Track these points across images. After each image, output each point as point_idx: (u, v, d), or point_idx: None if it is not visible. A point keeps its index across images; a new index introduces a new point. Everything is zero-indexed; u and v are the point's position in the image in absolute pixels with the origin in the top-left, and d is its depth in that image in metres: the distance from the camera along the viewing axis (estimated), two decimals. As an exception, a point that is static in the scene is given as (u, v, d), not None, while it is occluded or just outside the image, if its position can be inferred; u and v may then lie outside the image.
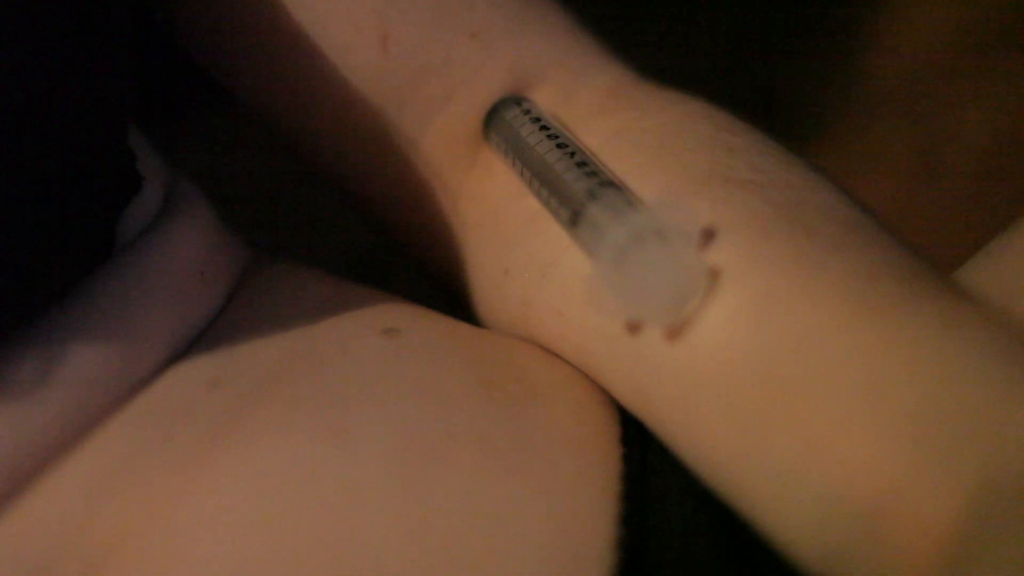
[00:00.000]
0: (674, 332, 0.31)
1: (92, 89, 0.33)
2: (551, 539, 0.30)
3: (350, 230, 0.54)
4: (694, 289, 0.30)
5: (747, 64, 0.67)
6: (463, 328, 0.38)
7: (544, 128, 0.37)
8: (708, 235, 0.31)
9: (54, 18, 0.31)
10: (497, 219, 0.39)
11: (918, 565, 0.25)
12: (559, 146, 0.36)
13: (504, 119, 0.38)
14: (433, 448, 0.31)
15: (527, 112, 0.38)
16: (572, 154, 0.35)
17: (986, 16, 0.66)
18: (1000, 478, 0.24)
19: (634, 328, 0.32)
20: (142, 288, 0.35)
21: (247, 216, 0.44)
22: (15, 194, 0.30)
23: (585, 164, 0.34)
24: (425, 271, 0.46)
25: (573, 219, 0.33)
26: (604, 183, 0.33)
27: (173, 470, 0.31)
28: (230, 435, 0.31)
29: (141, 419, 0.32)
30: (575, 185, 0.33)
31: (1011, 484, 0.24)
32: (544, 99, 0.39)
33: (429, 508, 0.30)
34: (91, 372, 0.32)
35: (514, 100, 0.39)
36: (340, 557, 0.28)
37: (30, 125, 0.30)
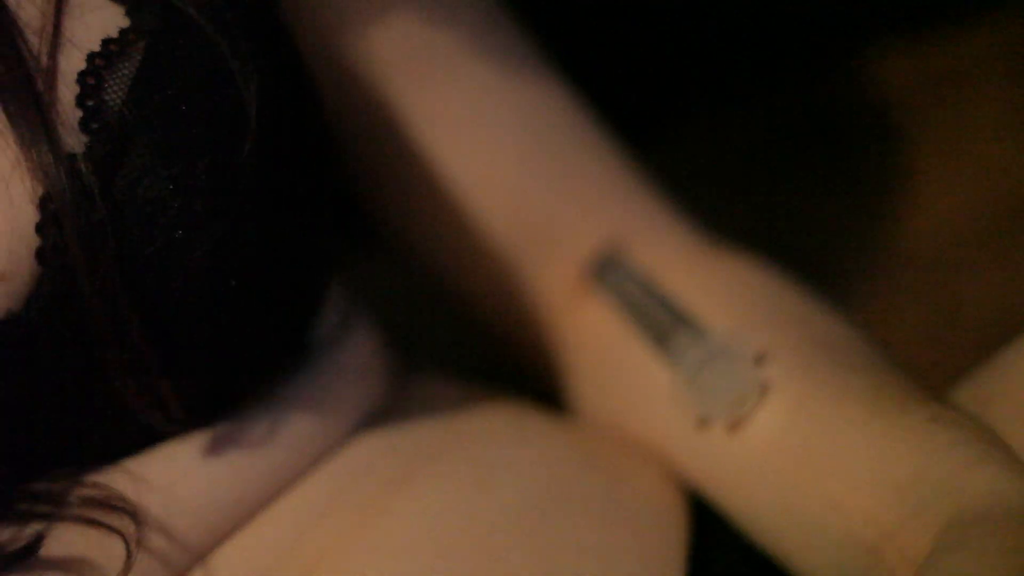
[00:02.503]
0: (734, 427, 0.42)
1: (312, 254, 0.45)
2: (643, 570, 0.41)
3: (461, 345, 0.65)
4: (750, 396, 0.42)
5: (774, 226, 0.78)
6: (569, 421, 0.50)
7: (639, 283, 0.48)
8: (761, 358, 0.43)
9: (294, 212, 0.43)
10: (598, 346, 0.51)
11: None
12: (650, 294, 0.47)
13: (605, 273, 0.50)
14: (552, 503, 0.42)
15: (623, 267, 0.49)
16: (659, 295, 0.47)
17: (1013, 188, 0.76)
18: (961, 519, 0.35)
19: (703, 423, 0.43)
20: (336, 375, 0.47)
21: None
22: (258, 324, 0.42)
23: (669, 302, 0.46)
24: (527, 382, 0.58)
25: (661, 341, 0.45)
26: (685, 318, 0.45)
27: (362, 510, 0.42)
28: (403, 488, 0.43)
29: (338, 473, 0.44)
30: (662, 317, 0.45)
31: (968, 519, 0.35)
32: (639, 253, 0.51)
33: (551, 543, 0.41)
34: (303, 435, 0.44)
35: (613, 255, 0.50)
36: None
37: (273, 281, 0.42)
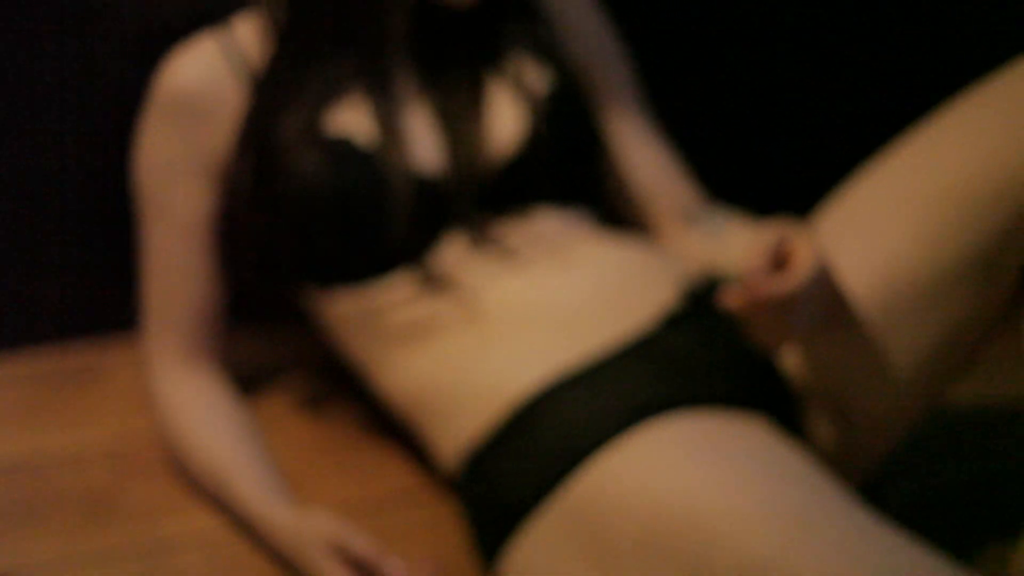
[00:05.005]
0: (713, 236, 1.21)
1: None
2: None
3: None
4: (719, 228, 1.20)
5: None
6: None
7: (696, 210, 1.27)
8: (724, 219, 1.22)
9: None
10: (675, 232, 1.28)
11: None
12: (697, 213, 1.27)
13: (687, 210, 1.29)
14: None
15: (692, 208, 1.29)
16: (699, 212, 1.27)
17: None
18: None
19: (703, 236, 1.21)
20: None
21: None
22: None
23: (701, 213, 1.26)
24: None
25: (696, 223, 1.24)
26: (704, 215, 1.24)
27: None
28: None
29: None
30: (699, 216, 1.25)
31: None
32: (687, 199, 1.28)
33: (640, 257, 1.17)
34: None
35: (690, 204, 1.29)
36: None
37: None
